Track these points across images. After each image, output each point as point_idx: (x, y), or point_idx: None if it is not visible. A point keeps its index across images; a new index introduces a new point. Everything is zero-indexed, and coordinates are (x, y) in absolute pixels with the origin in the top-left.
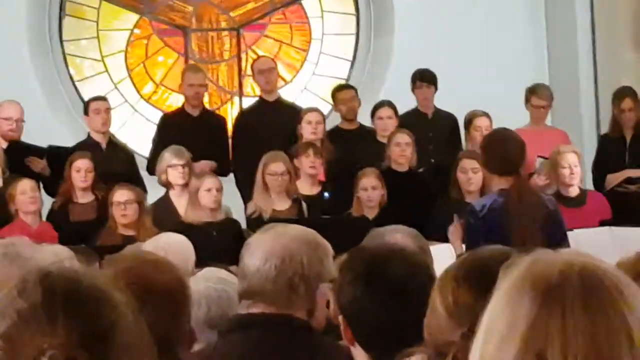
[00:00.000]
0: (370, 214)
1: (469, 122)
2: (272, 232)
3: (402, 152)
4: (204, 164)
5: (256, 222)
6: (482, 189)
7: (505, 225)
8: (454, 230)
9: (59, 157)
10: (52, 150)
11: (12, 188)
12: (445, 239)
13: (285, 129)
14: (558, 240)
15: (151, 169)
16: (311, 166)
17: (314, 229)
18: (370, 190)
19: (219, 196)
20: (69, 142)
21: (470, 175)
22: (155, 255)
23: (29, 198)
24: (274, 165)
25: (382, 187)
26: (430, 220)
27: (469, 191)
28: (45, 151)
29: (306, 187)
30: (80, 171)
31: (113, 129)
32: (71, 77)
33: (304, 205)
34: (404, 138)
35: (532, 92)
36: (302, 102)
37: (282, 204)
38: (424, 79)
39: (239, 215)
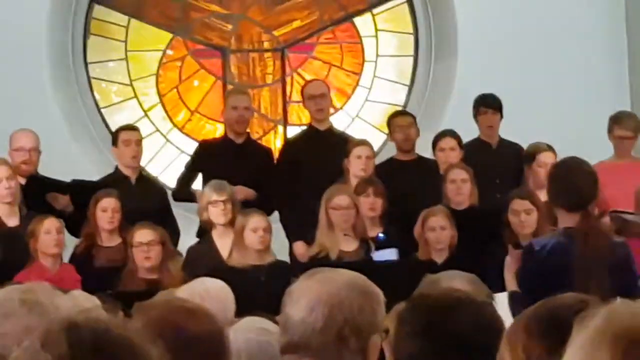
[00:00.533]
0: (439, 258)
1: (531, 156)
2: (318, 278)
3: (459, 190)
4: (241, 189)
5: (321, 264)
6: (537, 233)
7: (569, 269)
8: (510, 262)
9: (83, 193)
10: (76, 184)
11: (36, 225)
12: (500, 288)
13: (338, 161)
14: (629, 289)
15: (178, 194)
16: (371, 207)
17: (378, 273)
18: (439, 230)
19: (267, 237)
20: (93, 175)
21: (523, 217)
22: (190, 303)
23: (54, 239)
24: (338, 199)
25: (451, 228)
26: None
27: (523, 235)
28: (69, 186)
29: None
30: (107, 211)
31: (143, 162)
32: (96, 104)
33: (372, 246)
34: (459, 174)
35: (616, 121)
36: (354, 132)
37: (349, 244)
38: (488, 104)
39: (283, 256)
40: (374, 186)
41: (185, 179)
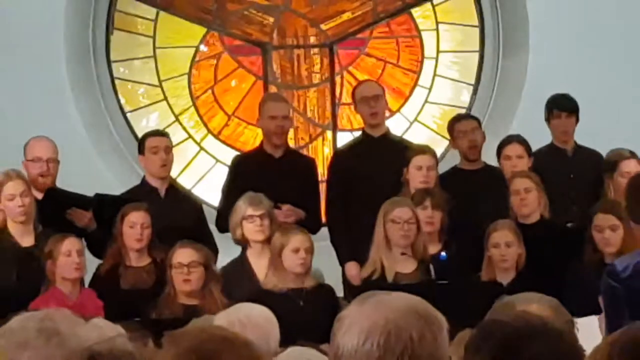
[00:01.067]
0: (505, 278)
1: (612, 164)
2: (372, 302)
3: (523, 202)
4: (289, 211)
5: (376, 287)
6: (623, 251)
7: None
8: None
9: (108, 208)
10: (99, 199)
11: (55, 245)
12: (581, 312)
13: (396, 171)
14: None
15: (222, 224)
16: (428, 221)
17: (434, 296)
18: (504, 247)
19: (308, 258)
20: (117, 188)
21: (608, 234)
22: (228, 332)
23: (74, 263)
24: (399, 211)
25: (519, 244)
26: (564, 288)
27: (608, 253)
28: (91, 201)
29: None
30: (135, 227)
31: (174, 173)
32: (121, 107)
33: (432, 267)
34: (522, 183)
35: None
36: (412, 137)
37: (407, 265)
38: (562, 106)
39: (334, 281)
40: (433, 197)
41: (227, 205)
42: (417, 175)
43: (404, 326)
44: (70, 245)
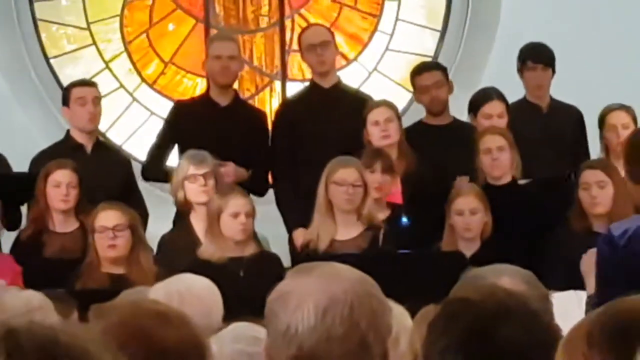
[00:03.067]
0: (468, 249)
1: (601, 121)
2: (320, 275)
3: (495, 162)
4: (231, 169)
5: (308, 256)
6: (613, 213)
7: None
8: (588, 260)
9: (15, 185)
10: (4, 178)
11: None
12: (565, 286)
13: (348, 126)
14: None
15: (147, 173)
16: (377, 187)
17: (386, 267)
18: (467, 214)
19: (249, 223)
20: (39, 142)
21: (595, 192)
22: (163, 305)
23: None
24: (342, 172)
25: (485, 211)
26: (545, 260)
27: (596, 215)
28: None
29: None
30: (61, 186)
31: (102, 126)
32: (44, 53)
33: (381, 234)
34: (494, 141)
35: None
36: (371, 90)
37: (348, 231)
38: (537, 58)
39: (280, 246)
40: (383, 159)
41: (158, 152)
42: (375, 132)
43: (365, 298)
44: None
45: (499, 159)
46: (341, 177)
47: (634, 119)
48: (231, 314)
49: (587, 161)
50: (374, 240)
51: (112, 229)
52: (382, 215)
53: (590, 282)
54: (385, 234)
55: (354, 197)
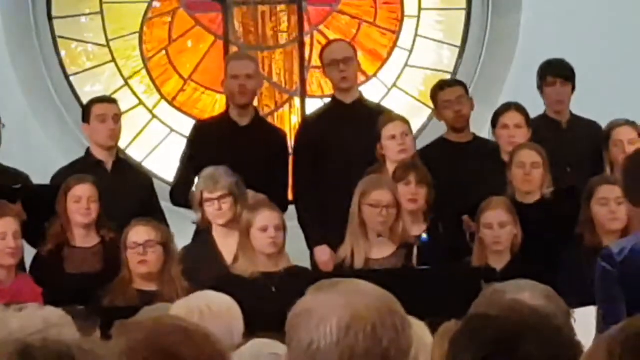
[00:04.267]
0: (498, 263)
1: (607, 136)
2: (341, 292)
3: (528, 177)
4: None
5: (328, 274)
6: (627, 230)
7: None
8: None
9: (38, 198)
10: (28, 189)
11: None
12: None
13: (371, 141)
14: None
15: (175, 197)
16: (411, 199)
17: (410, 284)
18: (497, 228)
19: (279, 236)
20: (59, 160)
21: (614, 207)
22: (186, 322)
23: (9, 247)
24: (376, 194)
25: (514, 225)
26: (554, 275)
27: (611, 231)
28: (18, 191)
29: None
30: (81, 201)
31: (122, 143)
32: (64, 70)
33: (415, 251)
34: (529, 157)
35: None
36: (391, 104)
37: (382, 250)
38: (557, 73)
39: (302, 263)
40: (417, 171)
41: (183, 177)
42: (392, 146)
43: (387, 315)
44: (4, 226)
45: (532, 175)
46: (375, 199)
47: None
48: (262, 330)
49: (603, 176)
50: (408, 257)
51: (142, 244)
52: (419, 229)
53: None
54: (419, 250)
55: (388, 218)
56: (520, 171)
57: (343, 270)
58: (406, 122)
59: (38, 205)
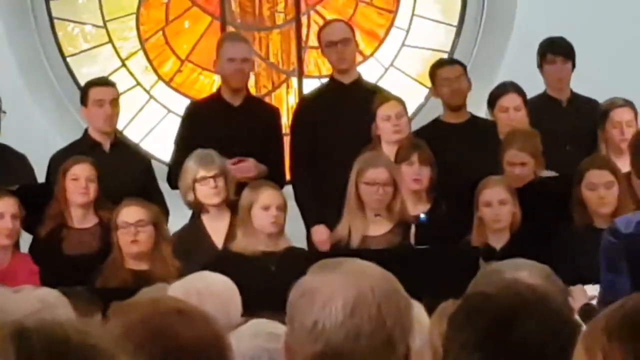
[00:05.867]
0: (498, 242)
1: (604, 114)
2: (344, 271)
3: (512, 170)
4: (251, 165)
5: (339, 252)
6: (617, 212)
7: None
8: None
9: (35, 196)
10: (24, 189)
11: None
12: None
13: (368, 122)
14: None
15: (174, 180)
16: (416, 179)
17: (409, 263)
18: (497, 205)
19: (280, 216)
20: (56, 141)
21: (602, 192)
22: (184, 303)
23: (6, 228)
24: (372, 172)
25: (513, 203)
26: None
27: (601, 214)
28: (15, 192)
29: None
30: (79, 179)
31: (119, 124)
32: (61, 51)
33: (413, 229)
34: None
35: None
36: (388, 84)
37: (379, 227)
38: (557, 50)
39: (299, 243)
40: (421, 151)
41: (180, 158)
42: (387, 127)
43: (391, 295)
44: (2, 207)
45: (523, 171)
46: (372, 177)
47: (636, 115)
48: (260, 309)
49: (591, 159)
50: (405, 235)
51: (134, 224)
52: (423, 207)
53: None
54: (417, 229)
55: (384, 197)
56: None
57: (341, 250)
58: (401, 102)
59: (35, 204)
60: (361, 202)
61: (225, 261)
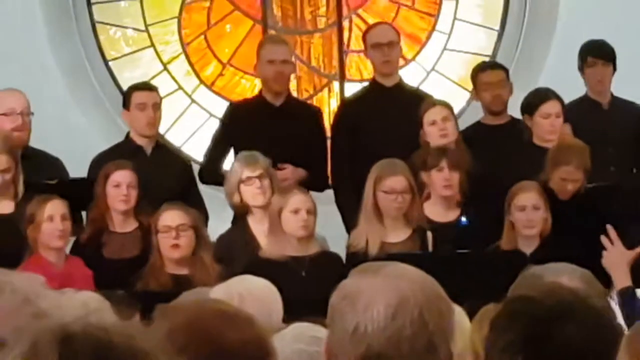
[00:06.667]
0: (528, 247)
1: None
2: (385, 274)
3: (565, 185)
4: (288, 171)
5: (358, 259)
6: None
7: None
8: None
9: (75, 192)
10: (65, 184)
11: (36, 208)
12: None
13: (410, 125)
14: None
15: (205, 175)
16: (446, 185)
17: (444, 268)
18: (530, 210)
19: (310, 220)
20: (99, 144)
21: None
22: (227, 306)
23: (58, 230)
24: (391, 180)
25: (545, 209)
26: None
27: None
28: (54, 186)
29: (438, 212)
30: (120, 186)
31: (161, 128)
32: (103, 55)
33: (429, 236)
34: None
35: None
36: (429, 88)
37: (397, 234)
38: (598, 54)
39: (339, 247)
40: (449, 156)
41: (215, 155)
42: (433, 132)
43: (433, 299)
44: (53, 209)
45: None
46: (390, 185)
47: None
48: (292, 314)
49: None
50: (423, 242)
51: (175, 228)
52: (454, 214)
53: (619, 275)
54: (436, 236)
55: (403, 204)
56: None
57: (374, 257)
58: (448, 106)
59: (74, 199)
60: (378, 209)
61: (255, 267)
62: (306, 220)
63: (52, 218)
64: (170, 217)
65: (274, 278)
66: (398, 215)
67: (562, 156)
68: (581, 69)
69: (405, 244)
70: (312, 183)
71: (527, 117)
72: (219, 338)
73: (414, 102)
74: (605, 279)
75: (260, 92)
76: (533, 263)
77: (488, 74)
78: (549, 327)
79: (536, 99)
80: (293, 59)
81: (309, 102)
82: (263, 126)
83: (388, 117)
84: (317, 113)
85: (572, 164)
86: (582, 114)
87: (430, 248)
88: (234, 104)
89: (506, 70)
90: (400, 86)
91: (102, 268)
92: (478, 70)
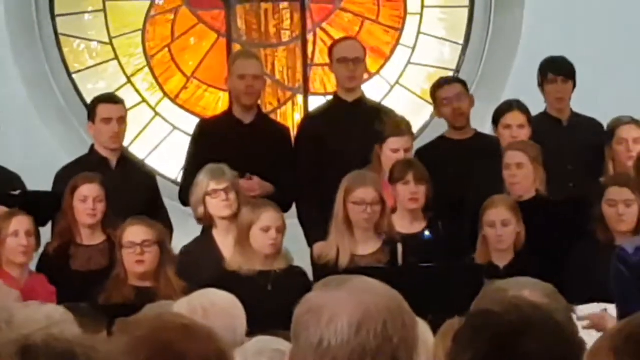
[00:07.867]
0: (502, 261)
1: (610, 132)
2: (351, 289)
3: (512, 178)
4: (255, 183)
5: (328, 271)
6: (637, 229)
7: None
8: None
9: (37, 204)
10: (26, 196)
11: (1, 223)
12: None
13: (371, 140)
14: None
15: (186, 198)
16: (412, 198)
17: (413, 281)
18: (500, 226)
19: (279, 238)
20: (61, 156)
21: (622, 209)
22: (188, 320)
23: (22, 245)
24: (360, 192)
25: (517, 223)
26: (567, 271)
27: (620, 231)
28: (16, 197)
29: (404, 225)
30: (87, 200)
31: (126, 141)
32: (66, 67)
33: (399, 248)
34: (512, 157)
35: None
36: (393, 102)
37: (367, 246)
38: (558, 70)
39: (302, 263)
40: (415, 170)
41: (192, 174)
42: (392, 158)
43: (397, 313)
44: (18, 224)
45: (517, 176)
46: (360, 197)
47: None
48: (257, 328)
49: (613, 177)
50: (393, 254)
51: (140, 244)
52: (420, 226)
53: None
54: (404, 248)
55: (372, 215)
56: (506, 173)
57: (344, 269)
58: (411, 134)
59: (36, 211)
60: (349, 221)
61: (221, 281)
62: (275, 238)
63: (17, 233)
64: (135, 233)
65: (240, 291)
66: (368, 226)
67: (505, 149)
68: (541, 85)
69: (375, 257)
70: (277, 202)
71: (494, 128)
72: (180, 352)
73: (375, 117)
74: (570, 293)
75: (230, 107)
76: (506, 276)
77: (446, 90)
78: (511, 342)
79: (499, 110)
80: (263, 72)
81: (274, 117)
82: (232, 144)
83: (349, 131)
84: (286, 132)
85: (510, 147)
86: (541, 131)
87: (400, 260)
88: (203, 121)
89: (464, 83)
90: (361, 101)
91: (70, 280)
92: (436, 88)
